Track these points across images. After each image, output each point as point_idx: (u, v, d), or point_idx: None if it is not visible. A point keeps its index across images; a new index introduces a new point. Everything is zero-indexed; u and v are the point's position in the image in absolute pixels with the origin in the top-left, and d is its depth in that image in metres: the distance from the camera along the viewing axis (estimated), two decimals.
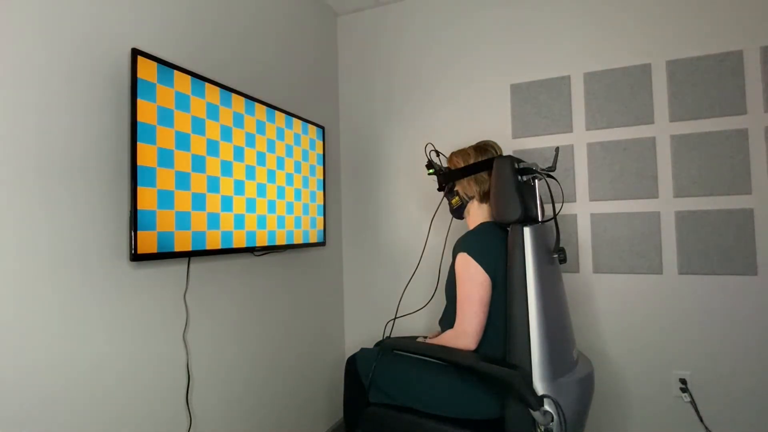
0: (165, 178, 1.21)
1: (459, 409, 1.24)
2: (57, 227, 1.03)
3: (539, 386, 1.13)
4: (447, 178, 1.47)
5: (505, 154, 1.42)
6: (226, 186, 1.43)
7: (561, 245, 1.44)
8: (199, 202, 1.32)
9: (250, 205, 1.54)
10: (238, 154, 1.49)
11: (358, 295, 2.34)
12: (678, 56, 1.76)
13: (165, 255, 1.20)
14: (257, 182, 1.58)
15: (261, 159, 1.61)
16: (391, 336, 1.71)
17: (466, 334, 1.24)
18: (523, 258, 1.20)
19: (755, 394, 1.63)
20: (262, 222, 1.60)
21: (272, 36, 1.85)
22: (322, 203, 2.01)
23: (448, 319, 1.38)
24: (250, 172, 1.55)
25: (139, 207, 1.13)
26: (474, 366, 1.18)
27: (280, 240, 1.71)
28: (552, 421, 1.10)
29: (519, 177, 1.29)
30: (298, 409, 1.93)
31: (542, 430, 1.09)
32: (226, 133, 1.44)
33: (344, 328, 2.36)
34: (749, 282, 1.65)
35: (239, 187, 1.49)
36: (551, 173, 1.68)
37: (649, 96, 1.79)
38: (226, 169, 1.44)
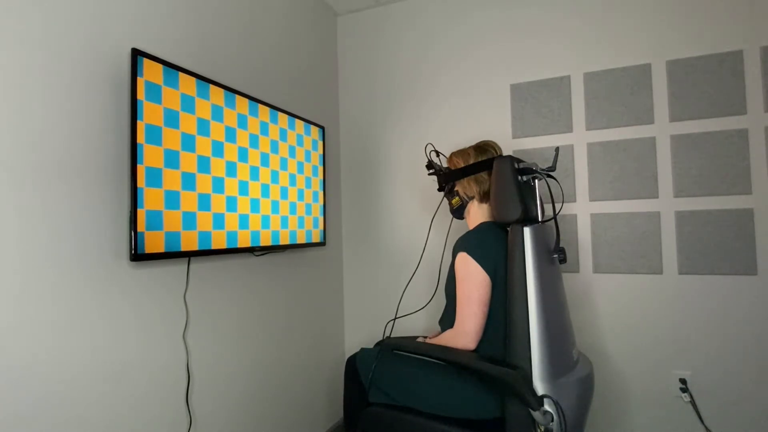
0: (170, 179, 1.21)
1: (459, 409, 1.24)
2: (57, 227, 1.03)
3: (539, 386, 1.13)
4: (447, 178, 1.47)
5: (505, 154, 1.42)
6: (230, 186, 1.43)
7: (561, 245, 1.44)
8: (204, 202, 1.32)
9: (251, 205, 1.54)
10: (242, 154, 1.49)
11: (358, 295, 2.33)
12: (678, 56, 1.76)
13: (165, 255, 1.20)
14: (261, 182, 1.58)
15: (264, 159, 1.61)
16: (391, 336, 1.71)
17: (465, 333, 1.24)
18: (523, 258, 1.20)
19: (755, 394, 1.63)
20: (262, 222, 1.60)
21: (272, 36, 1.85)
22: (322, 203, 2.01)
23: (448, 319, 1.38)
24: (253, 172, 1.55)
25: (144, 207, 1.13)
26: (474, 366, 1.18)
27: (281, 240, 1.71)
28: (552, 421, 1.10)
29: (519, 177, 1.29)
30: (298, 409, 1.93)
31: (542, 430, 1.09)
32: (230, 134, 1.44)
33: (344, 328, 2.36)
34: (749, 282, 1.65)
35: (242, 188, 1.49)
36: (551, 173, 1.68)
37: (649, 96, 1.79)
38: (230, 169, 1.44)
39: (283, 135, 1.75)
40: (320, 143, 2.02)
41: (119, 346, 1.16)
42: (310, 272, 2.06)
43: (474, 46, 2.10)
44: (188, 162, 1.29)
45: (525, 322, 1.17)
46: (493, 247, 1.30)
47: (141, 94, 1.15)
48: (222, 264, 1.53)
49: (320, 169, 2.01)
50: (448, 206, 1.52)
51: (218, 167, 1.40)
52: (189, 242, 1.28)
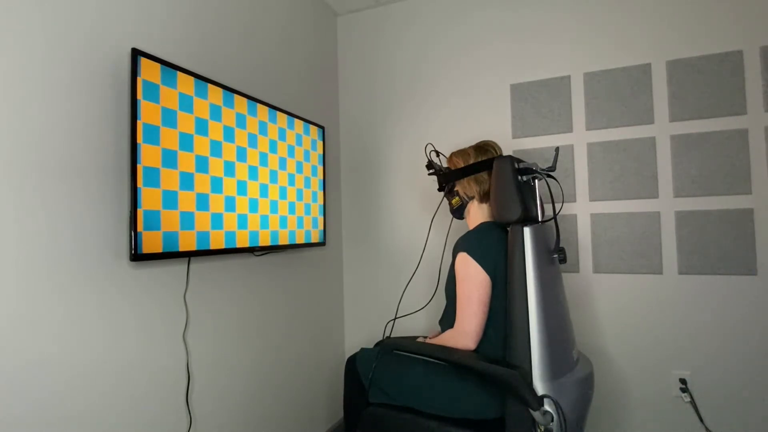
0: (169, 179, 1.21)
1: (459, 409, 1.24)
2: (57, 227, 1.03)
3: (539, 386, 1.13)
4: (447, 178, 1.47)
5: (505, 154, 1.42)
6: (229, 186, 1.43)
7: (561, 245, 1.44)
8: (202, 202, 1.32)
9: (252, 205, 1.54)
10: (241, 154, 1.49)
11: (358, 295, 2.33)
12: (678, 56, 1.76)
13: (165, 255, 1.20)
14: (259, 182, 1.58)
15: (263, 159, 1.61)
16: (391, 336, 1.71)
17: (465, 333, 1.24)
18: (523, 258, 1.20)
19: (755, 394, 1.63)
20: (261, 222, 1.60)
21: (272, 36, 1.85)
22: (322, 203, 2.01)
23: (448, 319, 1.38)
24: (252, 173, 1.55)
25: (144, 207, 1.13)
26: (474, 366, 1.18)
27: (280, 240, 1.71)
28: (552, 421, 1.10)
29: (519, 177, 1.29)
30: (298, 409, 1.93)
31: (542, 430, 1.09)
32: (229, 134, 1.44)
33: (344, 328, 2.36)
34: (749, 282, 1.65)
35: (242, 187, 1.49)
36: (551, 173, 1.68)
37: (649, 96, 1.79)
38: (229, 169, 1.44)
39: (282, 135, 1.75)
40: (320, 143, 2.02)
41: (119, 346, 1.16)
42: (310, 272, 2.06)
43: (474, 46, 2.10)
44: (187, 162, 1.29)
45: (525, 322, 1.17)
46: (493, 247, 1.30)
47: (141, 94, 1.15)
48: (222, 264, 1.53)
49: (320, 169, 2.01)
50: (448, 206, 1.52)
51: (217, 167, 1.40)
52: (189, 242, 1.28)
